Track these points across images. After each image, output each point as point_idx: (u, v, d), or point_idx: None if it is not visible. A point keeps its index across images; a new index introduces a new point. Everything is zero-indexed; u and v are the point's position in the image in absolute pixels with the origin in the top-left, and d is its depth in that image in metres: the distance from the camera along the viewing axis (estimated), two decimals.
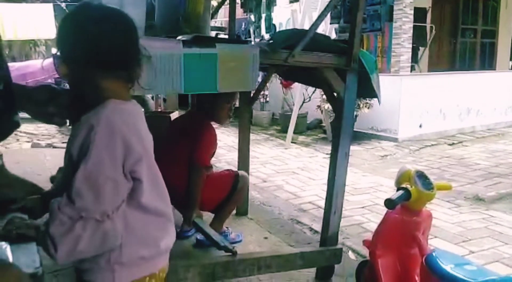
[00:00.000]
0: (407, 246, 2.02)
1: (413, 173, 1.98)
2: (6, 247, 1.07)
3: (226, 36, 3.38)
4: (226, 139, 6.94)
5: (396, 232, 2.04)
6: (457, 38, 10.70)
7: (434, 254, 1.85)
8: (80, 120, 1.08)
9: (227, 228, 2.78)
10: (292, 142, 6.60)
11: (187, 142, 2.51)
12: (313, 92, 6.75)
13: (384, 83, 6.83)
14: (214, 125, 2.69)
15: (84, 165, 1.02)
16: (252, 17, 5.86)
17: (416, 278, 1.97)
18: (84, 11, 1.11)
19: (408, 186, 1.93)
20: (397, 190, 1.96)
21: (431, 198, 1.99)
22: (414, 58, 9.05)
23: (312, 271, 2.54)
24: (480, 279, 1.66)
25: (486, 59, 10.75)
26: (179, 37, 2.05)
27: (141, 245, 1.14)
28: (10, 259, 1.01)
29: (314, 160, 5.66)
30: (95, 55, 1.08)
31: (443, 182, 2.20)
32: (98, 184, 1.02)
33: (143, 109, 1.44)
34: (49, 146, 5.92)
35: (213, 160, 5.76)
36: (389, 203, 1.88)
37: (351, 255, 2.99)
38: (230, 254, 2.20)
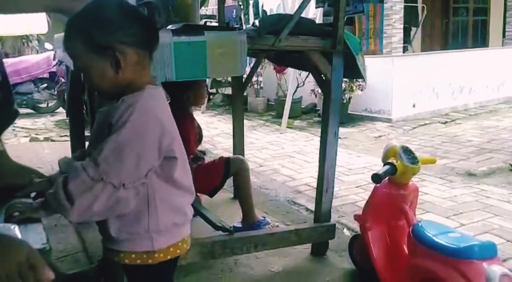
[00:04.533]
0: (395, 218, 2.12)
1: (398, 148, 2.07)
2: (14, 227, 1.15)
3: (216, 24, 3.43)
4: (222, 127, 7.02)
5: (384, 205, 2.14)
6: (449, 17, 10.73)
7: (420, 224, 1.95)
8: (122, 100, 1.18)
9: (263, 217, 2.77)
10: (287, 127, 6.68)
11: None
12: (307, 76, 6.79)
13: (377, 64, 6.93)
14: (198, 112, 2.72)
15: (116, 136, 1.12)
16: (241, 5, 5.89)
17: (404, 247, 2.07)
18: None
19: (394, 161, 2.02)
20: (384, 165, 2.05)
21: (416, 172, 2.08)
22: (407, 39, 9.08)
23: (308, 247, 2.65)
24: (462, 244, 1.76)
25: (478, 37, 10.80)
26: (168, 27, 2.12)
27: (174, 213, 1.27)
28: (19, 237, 1.10)
29: (310, 143, 5.75)
30: (145, 34, 1.21)
31: (428, 156, 2.29)
32: (124, 156, 1.12)
33: None
34: (48, 139, 5.98)
35: (210, 147, 5.86)
36: (375, 177, 1.98)
37: (346, 232, 3.09)
38: (227, 233, 2.29)
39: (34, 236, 1.12)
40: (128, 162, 1.13)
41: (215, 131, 6.72)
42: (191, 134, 2.54)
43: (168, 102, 2.71)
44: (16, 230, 1.14)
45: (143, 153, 1.15)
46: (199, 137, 2.74)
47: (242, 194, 2.72)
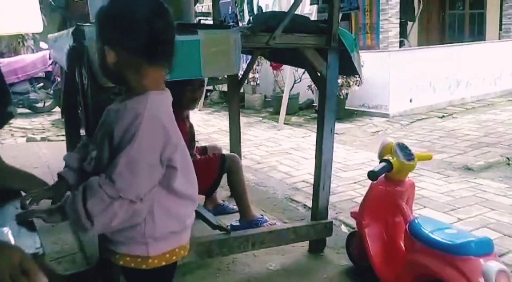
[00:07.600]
0: (391, 215, 2.12)
1: (394, 145, 2.07)
2: (7, 231, 1.14)
3: (211, 22, 3.43)
4: (219, 124, 7.00)
5: (381, 202, 2.14)
6: (446, 10, 10.72)
7: (416, 220, 1.95)
8: (126, 106, 1.18)
9: (261, 215, 2.74)
10: (284, 123, 6.67)
11: None
12: (303, 72, 6.77)
13: (373, 59, 6.92)
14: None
15: (128, 150, 1.12)
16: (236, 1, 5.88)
17: (401, 244, 2.07)
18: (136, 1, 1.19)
19: (390, 158, 2.02)
20: (380, 162, 2.05)
21: (412, 168, 2.08)
22: (403, 33, 9.07)
23: (305, 245, 2.65)
24: (459, 241, 1.76)
25: (475, 30, 10.79)
26: None
27: (172, 221, 1.27)
28: (12, 242, 1.09)
29: (307, 140, 5.74)
30: (147, 45, 1.17)
31: (425, 151, 2.29)
32: (138, 169, 1.13)
33: None
34: (44, 139, 5.96)
35: (206, 145, 5.85)
36: (372, 174, 1.97)
37: (343, 228, 3.10)
38: (225, 232, 2.29)
39: (28, 240, 1.12)
40: (143, 175, 1.14)
41: (212, 129, 6.71)
42: (182, 132, 2.51)
43: None
44: (9, 234, 1.13)
45: (154, 163, 1.16)
46: (191, 136, 2.73)
47: (237, 193, 2.72)
